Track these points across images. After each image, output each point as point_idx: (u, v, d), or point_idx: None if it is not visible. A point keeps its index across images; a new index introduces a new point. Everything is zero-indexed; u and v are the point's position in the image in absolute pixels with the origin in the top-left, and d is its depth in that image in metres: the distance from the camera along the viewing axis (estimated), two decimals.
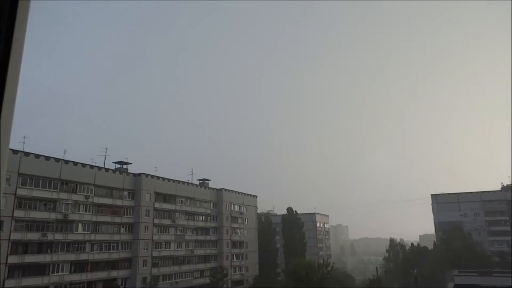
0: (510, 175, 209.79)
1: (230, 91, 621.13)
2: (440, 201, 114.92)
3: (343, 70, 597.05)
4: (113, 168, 69.18)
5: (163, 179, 75.50)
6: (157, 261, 70.13)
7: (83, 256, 58.18)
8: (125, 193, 67.62)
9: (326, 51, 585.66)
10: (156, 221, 71.44)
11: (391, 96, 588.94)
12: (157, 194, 72.89)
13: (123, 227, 66.05)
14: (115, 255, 63.31)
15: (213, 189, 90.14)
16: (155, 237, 70.67)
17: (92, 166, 62.72)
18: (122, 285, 59.34)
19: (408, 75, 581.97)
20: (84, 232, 59.20)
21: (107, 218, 63.51)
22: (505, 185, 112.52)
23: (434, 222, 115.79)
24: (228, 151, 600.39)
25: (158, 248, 71.00)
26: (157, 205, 72.25)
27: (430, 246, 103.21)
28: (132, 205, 68.32)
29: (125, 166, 71.20)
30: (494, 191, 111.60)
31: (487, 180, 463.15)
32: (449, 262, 74.92)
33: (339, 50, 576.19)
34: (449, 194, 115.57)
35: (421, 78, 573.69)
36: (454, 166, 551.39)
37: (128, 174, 69.37)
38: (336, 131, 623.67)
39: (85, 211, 60.09)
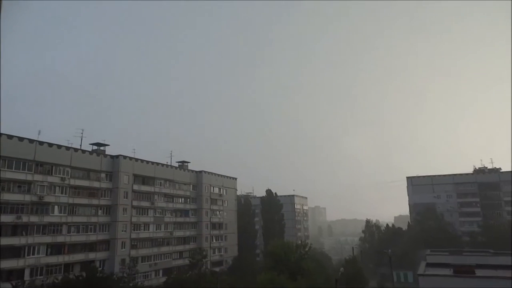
0: (481, 158, 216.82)
1: (212, 75, 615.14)
2: (415, 184, 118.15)
3: (321, 54, 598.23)
4: (90, 149, 67.84)
5: (142, 161, 74.61)
6: (136, 243, 69.90)
7: (60, 239, 57.31)
8: (103, 175, 66.57)
9: (304, 32, 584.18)
10: (135, 203, 70.87)
11: (369, 81, 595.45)
12: (135, 176, 72.09)
13: (100, 209, 65.24)
14: (92, 237, 62.66)
15: (192, 171, 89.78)
16: (134, 219, 70.21)
17: (68, 148, 61.25)
18: (100, 267, 58.86)
19: (385, 60, 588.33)
20: (60, 214, 58.17)
21: (84, 200, 62.54)
22: (477, 168, 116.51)
23: (408, 204, 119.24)
24: (208, 134, 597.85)
25: (136, 230, 70.66)
26: (135, 187, 71.56)
27: (405, 227, 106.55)
28: (110, 187, 67.39)
29: (102, 148, 69.88)
30: (467, 174, 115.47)
31: (461, 163, 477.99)
32: (422, 242, 77.57)
33: (320, 33, 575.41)
34: (423, 176, 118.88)
35: (398, 64, 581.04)
36: (430, 150, 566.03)
37: (105, 156, 68.15)
38: (315, 116, 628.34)
39: (61, 193, 58.91)
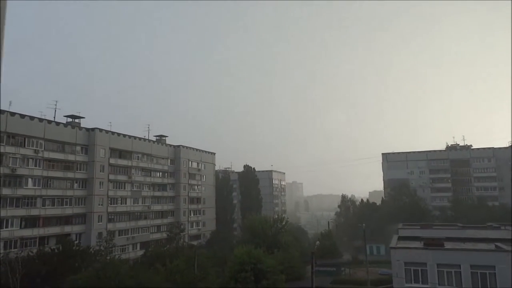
0: (454, 136, 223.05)
1: (190, 51, 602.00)
2: (390, 160, 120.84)
3: (297, 32, 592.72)
4: (65, 122, 65.93)
5: (119, 134, 73.21)
6: (113, 217, 69.47)
7: (34, 212, 56.25)
8: (78, 148, 65.09)
9: (282, 12, 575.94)
10: (112, 177, 69.95)
11: (346, 59, 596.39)
12: (112, 150, 70.87)
13: (76, 182, 64.13)
14: (68, 211, 61.80)
15: (170, 145, 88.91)
16: (111, 193, 69.49)
17: (41, 119, 59.30)
18: (76, 240, 58.40)
19: (362, 40, 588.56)
20: (34, 187, 56.90)
21: (59, 174, 61.20)
22: (449, 145, 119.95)
23: (383, 180, 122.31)
24: (186, 109, 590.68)
25: (113, 204, 70.08)
26: (112, 161, 70.46)
27: (379, 202, 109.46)
28: (86, 161, 66.11)
29: (77, 121, 68.03)
30: (439, 151, 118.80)
31: (435, 140, 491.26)
32: (395, 216, 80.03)
33: (297, 14, 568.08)
34: (398, 153, 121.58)
35: (374, 43, 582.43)
36: (405, 127, 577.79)
37: (80, 128, 66.47)
38: (293, 92, 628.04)
39: (35, 165, 57.41)
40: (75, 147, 64.47)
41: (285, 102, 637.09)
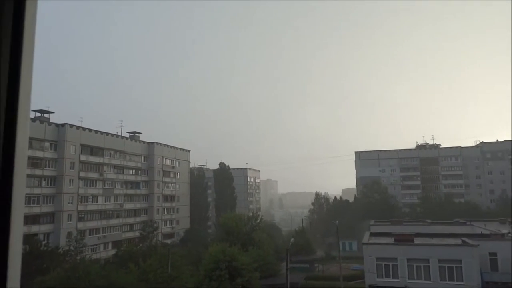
0: (424, 135, 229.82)
1: (162, 47, 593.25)
2: (362, 158, 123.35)
3: (267, 29, 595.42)
4: (33, 117, 63.62)
5: (90, 130, 71.32)
6: (83, 215, 67.67)
7: None
8: (47, 144, 62.97)
9: (249, 7, 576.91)
10: (82, 174, 68.09)
11: (320, 56, 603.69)
12: (83, 146, 68.96)
13: (44, 180, 62.05)
14: (36, 209, 59.68)
15: (144, 142, 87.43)
16: (81, 191, 67.64)
17: None
18: (44, 240, 56.54)
19: (337, 36, 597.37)
20: None
21: (27, 171, 59.01)
22: (419, 144, 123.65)
23: (356, 177, 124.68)
24: (161, 105, 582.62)
25: (84, 202, 68.28)
26: (83, 157, 68.57)
27: (352, 199, 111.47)
28: (55, 157, 64.07)
29: (46, 115, 65.82)
30: (410, 149, 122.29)
31: (406, 138, 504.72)
32: (367, 213, 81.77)
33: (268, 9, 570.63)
34: (371, 151, 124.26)
35: (348, 40, 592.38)
36: (378, 126, 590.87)
37: (49, 124, 64.34)
38: (267, 89, 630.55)
39: None
40: (43, 143, 62.31)
41: (259, 100, 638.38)
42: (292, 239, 49.36)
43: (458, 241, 36.47)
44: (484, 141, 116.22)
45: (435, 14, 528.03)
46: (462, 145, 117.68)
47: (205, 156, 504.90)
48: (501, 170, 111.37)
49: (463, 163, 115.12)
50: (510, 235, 39.27)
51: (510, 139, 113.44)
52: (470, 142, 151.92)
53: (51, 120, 65.59)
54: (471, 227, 50.97)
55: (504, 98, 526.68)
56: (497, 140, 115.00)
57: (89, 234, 67.71)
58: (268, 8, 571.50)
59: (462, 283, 32.10)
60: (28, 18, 1.58)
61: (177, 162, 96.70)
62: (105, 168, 73.83)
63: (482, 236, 40.84)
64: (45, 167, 62.19)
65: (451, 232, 43.43)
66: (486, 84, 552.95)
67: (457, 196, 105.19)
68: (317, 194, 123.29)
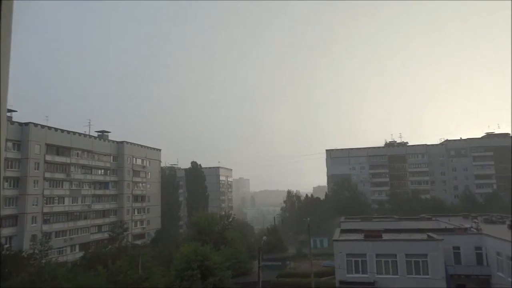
0: (392, 133, 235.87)
1: (134, 45, 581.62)
2: (333, 156, 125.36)
3: (247, 30, 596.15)
4: None
5: (56, 129, 68.94)
6: (49, 217, 65.37)
7: None
8: (9, 144, 60.39)
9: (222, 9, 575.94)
10: (48, 175, 65.73)
11: (292, 56, 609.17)
12: (48, 146, 66.58)
13: (7, 181, 59.45)
14: None
15: (113, 141, 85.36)
16: (47, 192, 65.31)
17: None
18: (6, 244, 54.24)
19: (309, 38, 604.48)
20: None
21: None
22: (387, 142, 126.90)
23: (327, 175, 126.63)
24: (132, 104, 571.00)
25: (50, 204, 65.97)
26: (48, 157, 66.19)
27: (323, 197, 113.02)
28: (19, 158, 61.55)
29: (8, 114, 63.04)
30: (379, 147, 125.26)
31: (376, 136, 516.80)
32: (338, 210, 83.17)
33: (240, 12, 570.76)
34: (341, 149, 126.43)
35: (320, 42, 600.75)
36: (349, 124, 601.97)
37: (12, 123, 61.67)
38: (239, 88, 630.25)
39: None
40: (5, 143, 59.62)
41: (232, 99, 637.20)
42: (264, 237, 49.51)
43: (424, 236, 37.69)
44: (449, 139, 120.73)
45: (394, 13, 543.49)
46: (428, 143, 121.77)
47: (177, 155, 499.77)
48: (464, 167, 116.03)
49: (429, 161, 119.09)
50: (472, 229, 40.94)
51: (473, 137, 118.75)
52: (435, 140, 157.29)
53: (14, 119, 62.90)
54: (437, 222, 52.84)
55: (469, 97, 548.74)
56: (461, 138, 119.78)
57: (55, 237, 65.53)
58: (244, 10, 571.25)
59: (427, 276, 33.18)
60: (4, 18, 1.56)
61: (147, 162, 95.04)
62: (72, 168, 71.58)
63: (446, 230, 42.39)
64: (8, 168, 59.59)
65: (418, 228, 44.88)
66: (452, 84, 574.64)
67: (423, 193, 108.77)
68: (289, 192, 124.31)
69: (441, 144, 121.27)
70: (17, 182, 60.97)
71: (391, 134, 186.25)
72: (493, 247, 35.36)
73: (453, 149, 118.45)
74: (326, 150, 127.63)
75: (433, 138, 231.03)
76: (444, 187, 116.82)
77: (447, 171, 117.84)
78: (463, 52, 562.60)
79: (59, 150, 69.27)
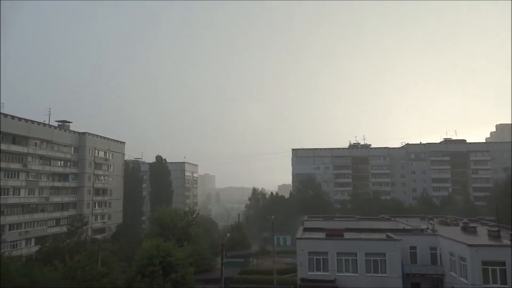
0: (356, 135, 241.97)
1: (97, 34, 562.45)
2: (299, 155, 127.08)
3: (214, 26, 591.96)
4: None
5: (13, 117, 65.60)
6: (2, 209, 62.20)
7: None
8: None
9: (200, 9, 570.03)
10: (3, 164, 62.44)
11: (261, 56, 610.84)
12: (4, 134, 63.29)
13: None
14: None
15: (74, 132, 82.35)
16: (1, 183, 62.12)
17: None
18: None
19: (281, 37, 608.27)
20: None
21: None
22: (351, 144, 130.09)
23: (292, 174, 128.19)
24: (95, 93, 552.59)
25: (4, 195, 62.75)
26: (4, 146, 62.89)
27: (287, 195, 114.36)
28: None
29: None
30: (343, 149, 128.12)
31: (339, 137, 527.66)
32: (301, 209, 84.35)
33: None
34: (307, 149, 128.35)
35: (292, 41, 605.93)
36: (314, 124, 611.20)
37: None
38: (207, 84, 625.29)
39: None
40: None
41: (200, 95, 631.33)
42: (228, 234, 49.53)
43: (383, 235, 38.94)
44: (410, 143, 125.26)
45: (363, 15, 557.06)
46: (390, 146, 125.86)
47: (141, 149, 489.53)
48: (423, 170, 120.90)
49: (390, 163, 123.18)
50: (428, 230, 42.71)
51: (432, 141, 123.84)
52: (397, 144, 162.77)
53: None
54: (395, 223, 54.72)
55: (429, 103, 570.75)
56: (421, 142, 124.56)
57: (9, 230, 62.55)
58: (217, 9, 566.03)
59: (385, 274, 34.34)
60: None
61: (110, 154, 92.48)
62: (29, 158, 68.45)
63: (404, 231, 43.97)
64: None
65: (377, 227, 46.32)
66: (415, 90, 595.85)
67: (384, 194, 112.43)
68: (254, 190, 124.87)
69: (402, 147, 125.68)
70: None
71: (355, 136, 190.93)
72: (446, 248, 37.04)
73: (413, 152, 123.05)
74: (292, 149, 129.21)
75: (395, 141, 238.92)
76: (403, 189, 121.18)
77: (407, 173, 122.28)
78: (425, 58, 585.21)
79: (15, 139, 66.01)
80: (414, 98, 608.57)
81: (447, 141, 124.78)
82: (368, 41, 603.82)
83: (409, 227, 46.99)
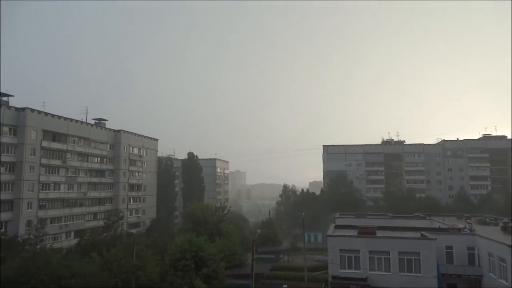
0: (389, 131, 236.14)
1: (135, 33, 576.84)
2: (330, 152, 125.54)
3: (245, 25, 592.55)
4: None
5: (53, 115, 68.62)
6: (44, 203, 65.35)
7: None
8: (5, 129, 60.02)
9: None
10: (44, 161, 65.56)
11: (292, 53, 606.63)
12: (45, 132, 66.32)
13: (3, 166, 59.27)
14: None
15: (110, 130, 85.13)
16: (43, 178, 65.20)
17: None
18: (2, 228, 54.24)
19: (306, 36, 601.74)
20: None
21: None
22: (384, 140, 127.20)
23: (323, 171, 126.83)
24: (130, 93, 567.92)
25: (45, 190, 65.89)
26: (45, 144, 65.97)
27: (318, 192, 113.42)
28: (15, 143, 61.28)
29: (5, 99, 62.61)
30: (375, 145, 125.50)
31: (372, 134, 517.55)
32: (332, 206, 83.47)
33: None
34: (338, 145, 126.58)
35: (317, 36, 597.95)
36: (347, 121, 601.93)
37: (9, 107, 61.31)
38: (237, 82, 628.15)
39: None
40: (1, 127, 59.35)
41: (231, 92, 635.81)
42: (258, 230, 49.69)
43: (418, 234, 37.95)
44: (446, 139, 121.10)
45: (395, 14, 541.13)
46: (425, 142, 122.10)
47: (174, 146, 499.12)
48: (460, 168, 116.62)
49: (425, 160, 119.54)
50: (466, 230, 41.23)
51: (470, 138, 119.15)
52: (432, 140, 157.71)
53: (10, 104, 62.49)
54: (430, 222, 53.17)
55: (468, 98, 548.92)
56: (458, 138, 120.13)
57: (51, 223, 65.59)
58: (250, 11, 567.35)
59: (419, 274, 33.49)
60: None
61: (144, 151, 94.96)
62: (68, 155, 71.44)
63: (440, 230, 42.67)
64: (4, 153, 59.39)
65: (411, 226, 45.15)
66: (451, 84, 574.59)
67: (419, 191, 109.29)
68: (285, 186, 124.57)
69: (438, 144, 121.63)
70: (13, 167, 60.80)
71: (389, 132, 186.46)
72: (485, 248, 35.66)
73: (449, 149, 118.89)
74: (323, 146, 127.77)
75: (430, 137, 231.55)
76: (439, 187, 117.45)
77: (442, 171, 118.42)
78: (463, 53, 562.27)
79: (55, 136, 69.04)
80: (451, 93, 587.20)
81: (486, 137, 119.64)
82: (403, 35, 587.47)
83: (445, 226, 45.58)
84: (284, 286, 45.33)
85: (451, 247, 37.81)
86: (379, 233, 39.17)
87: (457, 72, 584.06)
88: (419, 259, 33.86)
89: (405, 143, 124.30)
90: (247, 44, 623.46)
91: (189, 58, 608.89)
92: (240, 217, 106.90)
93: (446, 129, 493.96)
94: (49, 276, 31.56)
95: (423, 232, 37.98)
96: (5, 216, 58.53)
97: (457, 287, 37.39)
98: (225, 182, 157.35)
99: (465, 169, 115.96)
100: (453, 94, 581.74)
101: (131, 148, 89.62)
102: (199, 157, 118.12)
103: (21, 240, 47.70)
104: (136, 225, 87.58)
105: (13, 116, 61.27)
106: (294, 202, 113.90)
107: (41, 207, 64.41)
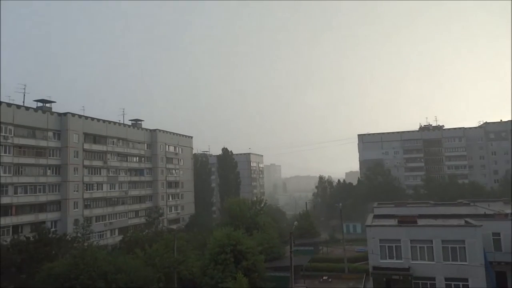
0: (427, 116, 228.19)
1: (161, 35, 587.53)
2: (365, 141, 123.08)
3: (273, 18, 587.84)
4: (35, 106, 63.76)
5: (92, 119, 71.39)
6: (89, 203, 68.34)
7: (5, 200, 54.59)
8: (50, 133, 63.17)
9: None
10: (86, 162, 68.48)
11: (323, 44, 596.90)
12: (86, 135, 69.17)
13: (49, 169, 62.46)
14: (42, 198, 60.31)
15: (146, 129, 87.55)
16: (86, 179, 68.16)
17: (9, 104, 57.03)
18: (52, 227, 57.24)
19: (337, 27, 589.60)
20: (5, 175, 55.05)
21: (31, 160, 59.41)
22: (422, 126, 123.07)
23: (359, 160, 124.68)
24: (164, 93, 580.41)
25: (89, 190, 68.85)
26: (86, 146, 68.84)
27: (355, 182, 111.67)
28: (59, 146, 64.35)
29: (48, 105, 65.79)
30: (413, 131, 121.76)
31: (409, 120, 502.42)
32: (370, 196, 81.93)
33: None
34: (373, 134, 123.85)
35: (353, 26, 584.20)
36: (381, 109, 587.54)
37: (52, 113, 64.37)
38: (270, 76, 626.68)
39: (5, 152, 55.43)
40: (46, 132, 62.55)
41: (262, 86, 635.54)
42: (295, 222, 49.63)
43: (462, 221, 36.58)
44: (488, 121, 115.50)
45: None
46: (465, 126, 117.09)
47: (208, 142, 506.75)
48: (505, 150, 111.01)
49: (466, 144, 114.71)
50: None
51: None
52: (473, 123, 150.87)
53: (53, 110, 65.58)
54: (475, 208, 51.03)
55: (508, 78, 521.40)
56: (501, 120, 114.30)
57: (96, 221, 68.51)
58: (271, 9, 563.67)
59: (465, 263, 32.30)
60: None
61: (180, 149, 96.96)
62: (108, 156, 74.18)
63: (485, 216, 40.95)
64: (49, 156, 62.54)
65: (455, 213, 43.55)
66: (490, 65, 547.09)
67: (461, 177, 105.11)
68: (320, 178, 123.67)
69: (480, 127, 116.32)
70: (58, 169, 63.90)
71: (426, 118, 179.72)
72: None
73: (492, 132, 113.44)
74: (358, 135, 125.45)
75: (471, 121, 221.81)
76: (483, 172, 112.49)
77: (486, 155, 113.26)
78: (500, 34, 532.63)
79: (96, 138, 71.85)
80: (490, 73, 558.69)
81: None
82: (437, 18, 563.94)
83: (491, 212, 43.67)
84: (325, 277, 45.21)
85: (498, 234, 36.22)
86: (420, 222, 38.08)
87: (496, 51, 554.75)
88: (464, 247, 32.65)
89: (444, 128, 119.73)
90: (278, 35, 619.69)
91: (217, 54, 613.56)
92: (277, 210, 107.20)
93: (487, 111, 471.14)
94: (97, 272, 33.02)
95: (467, 219, 36.58)
96: (54, 215, 61.87)
97: (507, 275, 35.82)
98: (260, 176, 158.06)
99: (510, 152, 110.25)
100: (493, 74, 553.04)
101: (167, 146, 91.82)
102: (234, 152, 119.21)
103: (69, 238, 50.11)
104: (176, 221, 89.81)
105: (56, 121, 64.28)
106: (330, 193, 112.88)
107: (86, 206, 67.42)
